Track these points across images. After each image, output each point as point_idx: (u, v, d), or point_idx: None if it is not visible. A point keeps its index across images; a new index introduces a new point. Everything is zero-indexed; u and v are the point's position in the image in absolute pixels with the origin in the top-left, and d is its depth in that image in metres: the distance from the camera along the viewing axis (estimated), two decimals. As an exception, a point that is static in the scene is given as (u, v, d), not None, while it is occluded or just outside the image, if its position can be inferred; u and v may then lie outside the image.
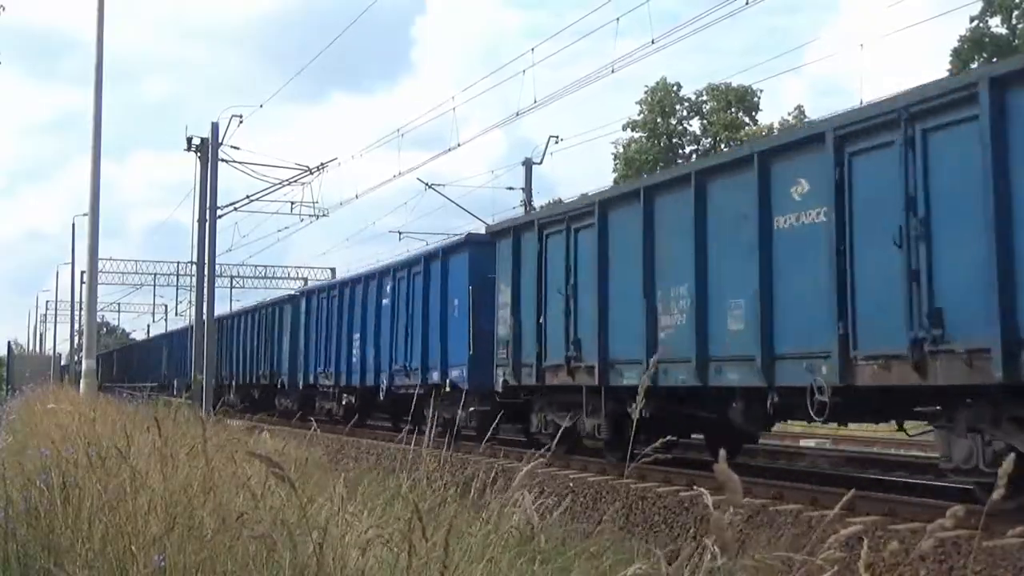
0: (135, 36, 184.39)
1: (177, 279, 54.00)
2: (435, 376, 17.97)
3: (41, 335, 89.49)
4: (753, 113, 50.52)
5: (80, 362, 27.98)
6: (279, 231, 55.66)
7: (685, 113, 51.52)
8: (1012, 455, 2.58)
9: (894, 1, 39.23)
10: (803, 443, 18.70)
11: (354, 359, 22.79)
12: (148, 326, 70.90)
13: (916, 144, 8.49)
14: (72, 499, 4.40)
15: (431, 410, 11.11)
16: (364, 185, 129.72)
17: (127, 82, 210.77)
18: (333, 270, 51.89)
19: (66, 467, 4.85)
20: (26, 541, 4.48)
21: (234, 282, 55.70)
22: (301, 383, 26.90)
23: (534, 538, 3.83)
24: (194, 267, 30.31)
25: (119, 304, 71.02)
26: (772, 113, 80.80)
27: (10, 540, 4.50)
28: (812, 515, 9.03)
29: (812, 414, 9.39)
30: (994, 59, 34.73)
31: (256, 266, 56.59)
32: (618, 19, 19.53)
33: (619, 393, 12.18)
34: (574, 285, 13.31)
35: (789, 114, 48.44)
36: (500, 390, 15.03)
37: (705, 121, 51.07)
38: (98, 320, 37.01)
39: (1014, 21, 36.40)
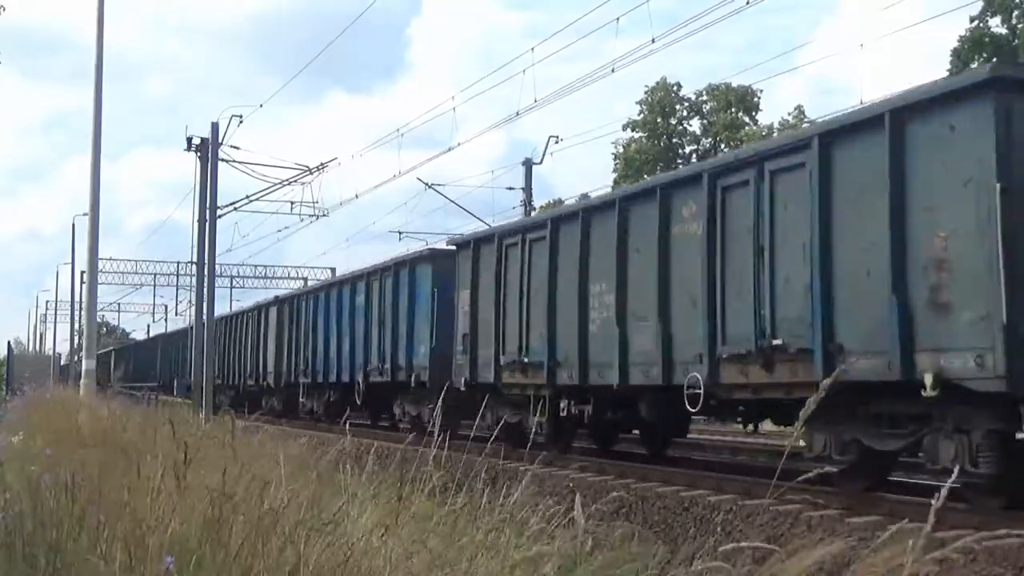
0: (131, 35, 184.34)
1: (177, 279, 54.05)
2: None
3: (41, 335, 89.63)
4: (753, 113, 50.55)
5: (80, 362, 27.98)
6: (279, 231, 55.60)
7: (685, 113, 51.53)
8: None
9: (891, 3, 39.23)
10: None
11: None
12: (148, 326, 71.04)
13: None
14: (80, 500, 4.41)
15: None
16: (364, 185, 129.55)
17: (124, 81, 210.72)
18: (333, 270, 51.92)
19: (74, 468, 4.87)
20: (32, 541, 4.48)
21: (234, 282, 55.78)
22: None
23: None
24: (194, 267, 30.33)
25: (119, 304, 71.18)
26: (772, 113, 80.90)
27: (16, 537, 4.51)
28: (812, 515, 9.05)
29: None
30: (994, 59, 34.76)
31: (256, 266, 56.70)
32: (618, 19, 19.59)
33: None
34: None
35: (789, 114, 48.52)
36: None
37: (705, 121, 51.09)
38: (98, 320, 37.02)
39: (1014, 21, 36.38)
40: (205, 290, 27.18)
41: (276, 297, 31.37)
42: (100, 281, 30.08)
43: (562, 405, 14.25)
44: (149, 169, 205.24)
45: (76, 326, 53.99)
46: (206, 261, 26.81)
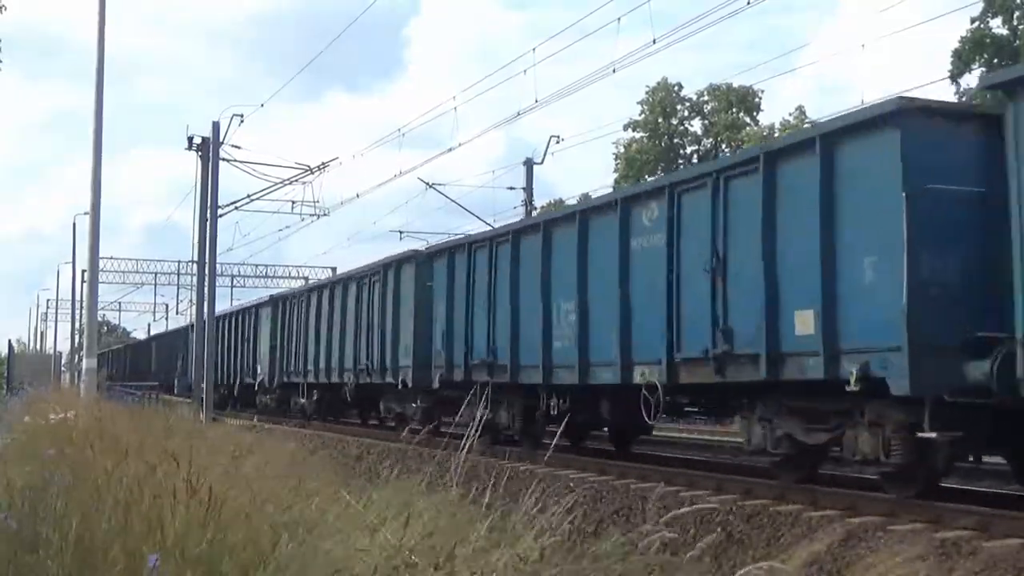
0: (131, 34, 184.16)
1: (178, 278, 54.09)
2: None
3: (42, 334, 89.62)
4: (754, 113, 50.56)
5: (81, 361, 27.97)
6: (280, 230, 55.72)
7: (686, 113, 51.55)
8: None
9: (888, 5, 39.11)
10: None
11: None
12: (149, 325, 71.06)
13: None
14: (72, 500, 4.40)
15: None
16: (365, 185, 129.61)
17: (124, 81, 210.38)
18: (334, 269, 51.90)
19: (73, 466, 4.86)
20: (15, 540, 4.45)
21: (235, 281, 55.83)
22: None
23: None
24: (195, 266, 30.34)
25: (120, 303, 71.19)
26: (774, 113, 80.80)
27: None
28: (812, 515, 9.04)
29: None
30: (995, 60, 34.74)
31: (257, 265, 56.71)
32: (619, 19, 19.55)
33: None
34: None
35: (790, 114, 48.51)
36: None
37: (706, 121, 51.10)
38: (99, 319, 36.98)
39: (1015, 22, 36.33)
40: (206, 289, 27.20)
41: (418, 250, 20.90)
42: (101, 280, 30.02)
43: None
44: (149, 168, 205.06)
45: (77, 325, 54.00)
46: (207, 260, 26.82)
